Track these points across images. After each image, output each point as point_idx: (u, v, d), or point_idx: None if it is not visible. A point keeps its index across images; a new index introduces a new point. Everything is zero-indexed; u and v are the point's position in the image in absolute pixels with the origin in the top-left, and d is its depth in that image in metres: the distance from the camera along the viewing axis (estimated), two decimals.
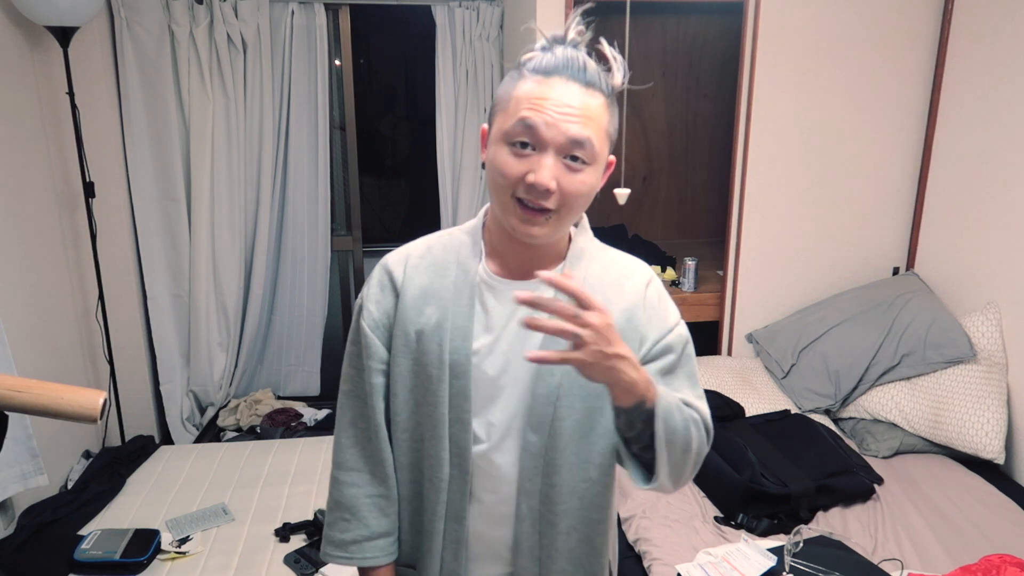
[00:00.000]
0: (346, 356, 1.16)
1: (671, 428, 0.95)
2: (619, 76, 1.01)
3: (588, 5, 1.03)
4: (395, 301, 1.10)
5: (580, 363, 0.87)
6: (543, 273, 0.86)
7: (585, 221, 1.14)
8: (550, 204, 0.97)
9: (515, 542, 1.10)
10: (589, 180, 0.99)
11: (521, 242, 1.03)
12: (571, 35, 1.00)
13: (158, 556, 2.24)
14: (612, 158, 1.06)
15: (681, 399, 1.02)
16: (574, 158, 0.96)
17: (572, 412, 1.05)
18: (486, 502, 1.11)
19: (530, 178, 0.96)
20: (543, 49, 1.00)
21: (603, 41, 1.02)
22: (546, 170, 0.95)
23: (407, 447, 1.13)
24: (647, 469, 1.00)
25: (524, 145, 0.96)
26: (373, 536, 1.15)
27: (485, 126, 1.06)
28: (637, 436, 0.97)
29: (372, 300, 1.12)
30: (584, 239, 1.12)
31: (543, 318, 0.86)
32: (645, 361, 1.06)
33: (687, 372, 1.09)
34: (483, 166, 1.04)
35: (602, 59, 1.01)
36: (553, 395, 1.04)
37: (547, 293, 1.05)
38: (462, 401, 1.06)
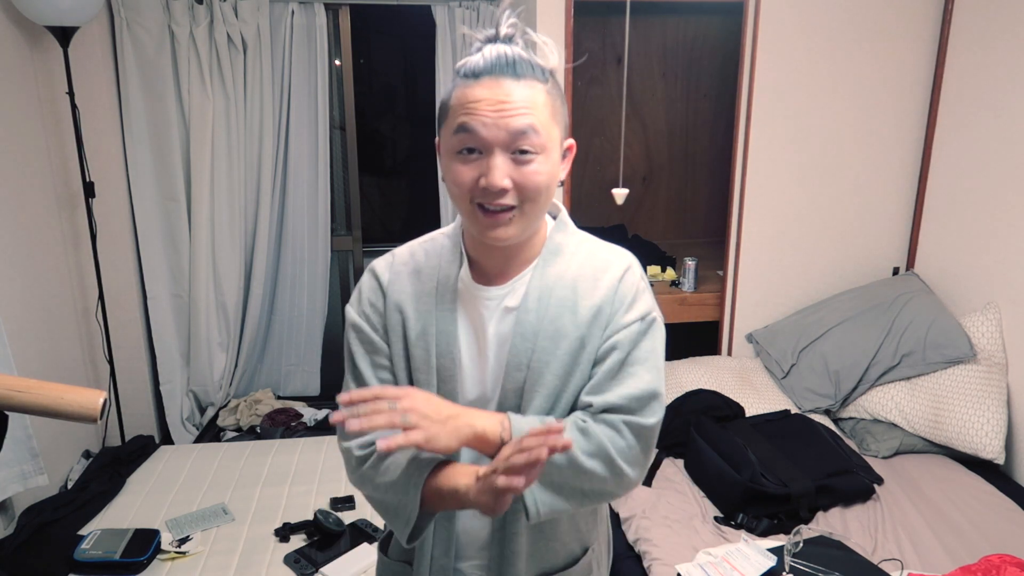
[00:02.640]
0: (346, 375, 1.16)
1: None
2: (553, 58, 1.00)
3: (509, 2, 1.01)
4: (384, 306, 1.11)
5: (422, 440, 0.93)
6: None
7: (564, 215, 1.13)
8: (510, 200, 0.98)
9: (489, 534, 1.12)
10: (544, 169, 0.98)
11: (493, 246, 1.04)
12: (504, 31, 1.00)
13: (158, 556, 2.24)
14: (571, 142, 1.05)
15: (605, 403, 1.02)
16: (523, 151, 0.96)
17: (531, 409, 1.05)
18: None
19: (482, 182, 0.96)
20: (474, 52, 1.00)
21: (529, 31, 1.02)
22: (496, 171, 0.95)
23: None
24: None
25: (471, 151, 0.97)
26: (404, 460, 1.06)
27: (438, 139, 1.06)
28: None
29: (367, 304, 1.12)
30: (562, 235, 1.10)
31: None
32: (596, 360, 1.06)
33: (636, 371, 1.04)
34: (443, 179, 1.05)
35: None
36: (519, 390, 1.06)
37: (520, 290, 1.07)
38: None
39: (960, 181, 2.80)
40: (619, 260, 1.09)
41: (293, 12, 3.13)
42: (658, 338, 1.08)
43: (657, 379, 1.06)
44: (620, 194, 2.36)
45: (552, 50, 1.00)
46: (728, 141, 3.11)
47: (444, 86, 3.24)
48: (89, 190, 2.85)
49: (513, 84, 0.96)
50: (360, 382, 1.12)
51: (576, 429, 1.01)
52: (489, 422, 0.98)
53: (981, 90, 2.68)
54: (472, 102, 0.96)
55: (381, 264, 1.14)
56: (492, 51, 0.97)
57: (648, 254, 3.56)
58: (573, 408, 1.07)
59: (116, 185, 3.02)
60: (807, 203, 3.01)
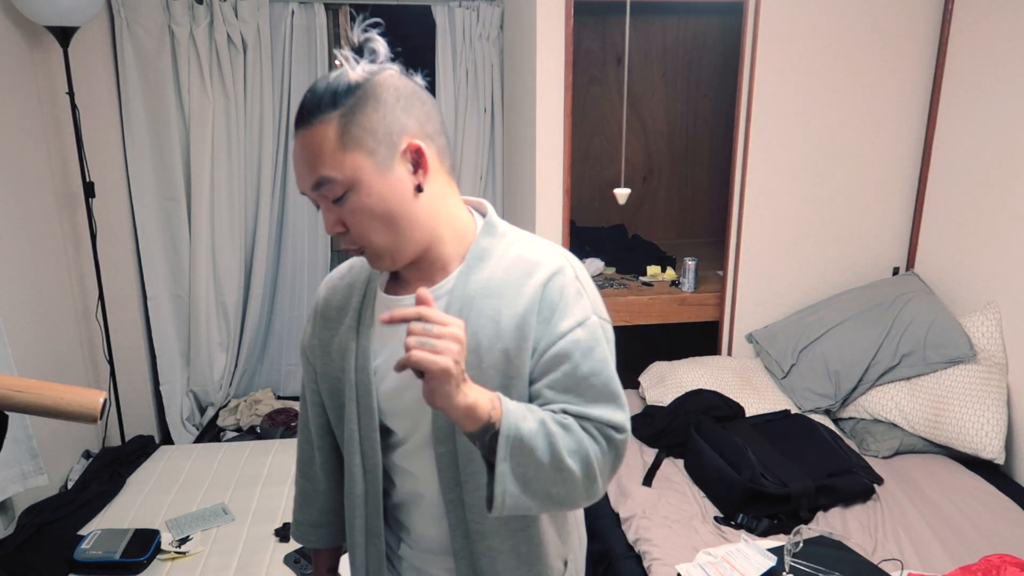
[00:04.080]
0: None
1: (526, 448, 0.90)
2: (352, 73, 0.94)
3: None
4: (317, 324, 1.15)
5: (421, 364, 0.83)
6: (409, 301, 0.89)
7: (492, 215, 1.07)
8: (352, 243, 0.98)
9: (453, 552, 1.09)
10: (363, 202, 0.94)
11: None
12: (355, 42, 0.98)
13: (158, 556, 2.24)
14: (412, 143, 0.95)
15: (576, 411, 0.96)
16: (335, 198, 0.94)
17: None
18: (423, 507, 1.11)
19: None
20: None
21: (339, 49, 1.01)
22: (325, 222, 0.98)
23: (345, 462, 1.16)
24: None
25: (317, 207, 0.99)
26: (315, 524, 1.28)
27: None
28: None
29: (308, 321, 1.18)
30: (488, 239, 1.03)
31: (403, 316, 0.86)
32: (536, 375, 0.98)
33: (595, 383, 0.98)
34: None
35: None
36: None
37: (442, 300, 1.03)
38: (369, 419, 1.06)
39: (960, 181, 2.80)
40: (548, 262, 1.01)
41: (293, 12, 3.13)
42: (608, 344, 1.01)
43: (620, 388, 1.00)
44: (622, 194, 2.36)
45: (352, 64, 0.95)
46: (728, 141, 3.11)
47: (444, 87, 3.27)
48: (89, 190, 2.86)
49: (303, 135, 0.94)
50: (303, 390, 1.22)
51: (557, 423, 0.94)
52: (481, 397, 0.89)
53: (981, 90, 2.68)
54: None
55: (324, 280, 1.18)
56: None
57: (648, 254, 3.56)
58: None
59: (116, 185, 3.02)
60: (807, 203, 3.01)
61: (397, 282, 1.08)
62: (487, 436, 0.90)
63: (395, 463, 1.10)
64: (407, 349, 0.83)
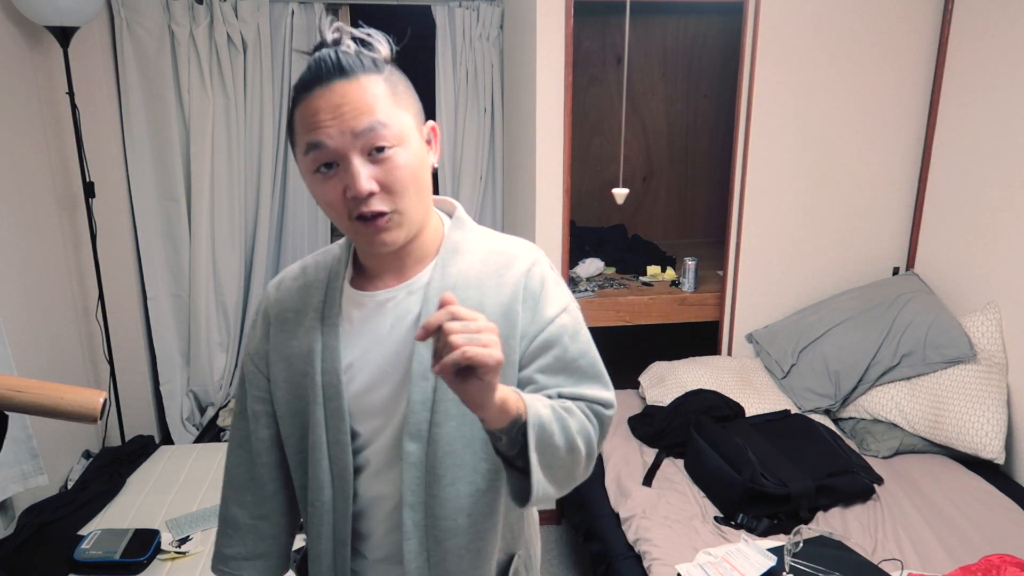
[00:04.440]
0: (237, 378, 1.18)
1: (547, 434, 0.91)
2: (383, 47, 0.96)
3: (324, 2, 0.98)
4: (267, 328, 1.10)
5: (468, 360, 0.79)
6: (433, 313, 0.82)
7: (460, 212, 1.09)
8: (383, 206, 0.93)
9: (405, 559, 1.05)
10: (406, 160, 0.93)
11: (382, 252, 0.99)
12: (330, 36, 0.95)
13: (158, 556, 2.24)
14: (432, 124, 1.02)
15: (570, 392, 0.99)
16: (378, 148, 0.91)
17: (448, 418, 0.99)
18: (378, 516, 1.09)
19: (349, 193, 0.92)
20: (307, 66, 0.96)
21: (354, 30, 0.97)
22: (358, 177, 0.91)
23: (300, 471, 1.11)
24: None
25: (328, 166, 0.93)
26: (251, 556, 1.17)
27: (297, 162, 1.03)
28: (520, 452, 0.91)
29: (254, 327, 1.13)
30: (459, 233, 1.06)
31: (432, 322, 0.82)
32: (525, 361, 1.01)
33: (583, 364, 1.02)
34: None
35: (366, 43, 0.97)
36: (429, 400, 0.99)
37: (417, 294, 1.03)
38: (338, 422, 1.03)
39: (960, 181, 2.80)
40: (524, 255, 1.04)
41: (293, 12, 3.13)
42: (587, 329, 1.06)
43: (603, 368, 1.05)
44: (620, 194, 2.36)
45: (380, 40, 0.97)
46: (728, 141, 3.11)
47: (444, 87, 3.27)
48: (89, 190, 2.86)
49: (345, 85, 0.91)
50: (241, 405, 1.15)
51: (561, 408, 0.96)
52: (507, 389, 0.88)
53: (981, 90, 2.68)
54: (311, 116, 0.92)
55: (272, 283, 1.13)
56: (316, 59, 0.93)
57: (648, 254, 3.56)
58: None
59: (116, 185, 3.02)
60: (807, 203, 3.01)
61: (365, 277, 1.06)
62: (515, 429, 0.89)
63: (356, 465, 1.07)
64: (454, 347, 0.78)
